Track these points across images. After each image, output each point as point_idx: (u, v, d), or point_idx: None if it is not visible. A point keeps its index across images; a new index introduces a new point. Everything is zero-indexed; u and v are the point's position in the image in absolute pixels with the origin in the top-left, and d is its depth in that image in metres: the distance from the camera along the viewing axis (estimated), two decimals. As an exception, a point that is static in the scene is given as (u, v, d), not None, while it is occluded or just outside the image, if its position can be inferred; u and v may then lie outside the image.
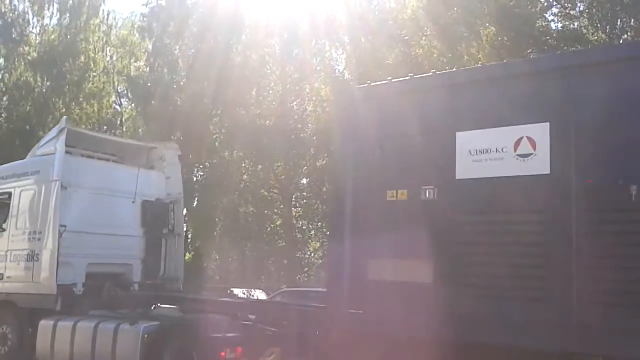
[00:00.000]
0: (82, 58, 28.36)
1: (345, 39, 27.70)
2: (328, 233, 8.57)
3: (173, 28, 27.86)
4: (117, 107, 32.49)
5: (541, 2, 24.49)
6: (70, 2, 28.81)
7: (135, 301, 9.26)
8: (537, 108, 5.84)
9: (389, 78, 6.86)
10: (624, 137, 5.42)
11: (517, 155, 5.87)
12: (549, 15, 24.64)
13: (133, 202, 10.72)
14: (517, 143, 5.87)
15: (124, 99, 33.10)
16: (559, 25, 24.30)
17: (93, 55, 28.79)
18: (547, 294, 5.62)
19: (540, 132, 5.76)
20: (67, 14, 28.72)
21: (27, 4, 28.50)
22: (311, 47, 27.52)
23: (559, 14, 24.41)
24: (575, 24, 24.11)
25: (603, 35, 22.80)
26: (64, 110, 27.54)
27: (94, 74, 29.04)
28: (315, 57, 28.06)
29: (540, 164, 5.75)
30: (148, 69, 28.46)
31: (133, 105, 30.89)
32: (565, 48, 22.11)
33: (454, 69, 6.63)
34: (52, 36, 28.85)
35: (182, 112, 27.25)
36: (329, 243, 8.04)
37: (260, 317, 8.15)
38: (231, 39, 26.97)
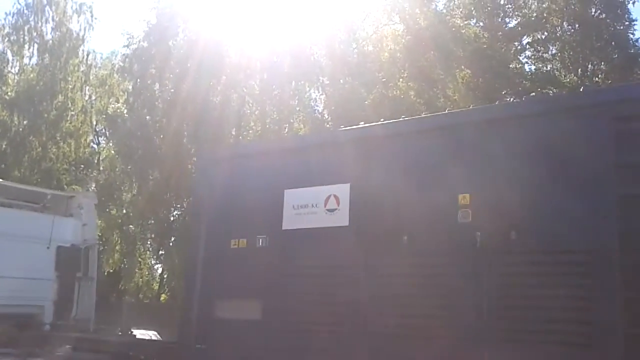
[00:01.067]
0: (61, 97, 30.00)
1: (325, 80, 29.01)
2: (184, 275, 9.95)
3: (154, 69, 29.32)
4: (95, 146, 34.08)
5: (515, 45, 25.80)
6: (50, 42, 30.57)
7: (31, 341, 10.52)
8: (341, 171, 7.29)
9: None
10: (401, 195, 6.78)
11: (327, 210, 7.27)
12: (523, 58, 25.95)
13: (48, 247, 12.03)
14: (327, 200, 7.29)
15: (102, 138, 34.73)
16: (533, 67, 25.58)
17: (71, 94, 30.40)
18: (342, 327, 6.94)
19: (343, 191, 7.17)
20: (47, 54, 30.45)
21: (6, 43, 30.38)
22: (291, 87, 28.79)
23: (532, 57, 25.72)
24: (549, 66, 25.39)
25: (575, 77, 24.04)
26: (40, 149, 29.13)
27: (72, 113, 30.67)
28: (295, 98, 29.32)
29: (342, 217, 7.14)
30: (126, 109, 29.85)
31: (111, 144, 32.36)
32: (539, 90, 23.41)
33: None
34: (31, 75, 30.66)
35: (161, 152, 28.68)
36: (184, 283, 9.42)
37: (146, 354, 9.44)
38: (211, 79, 28.32)
